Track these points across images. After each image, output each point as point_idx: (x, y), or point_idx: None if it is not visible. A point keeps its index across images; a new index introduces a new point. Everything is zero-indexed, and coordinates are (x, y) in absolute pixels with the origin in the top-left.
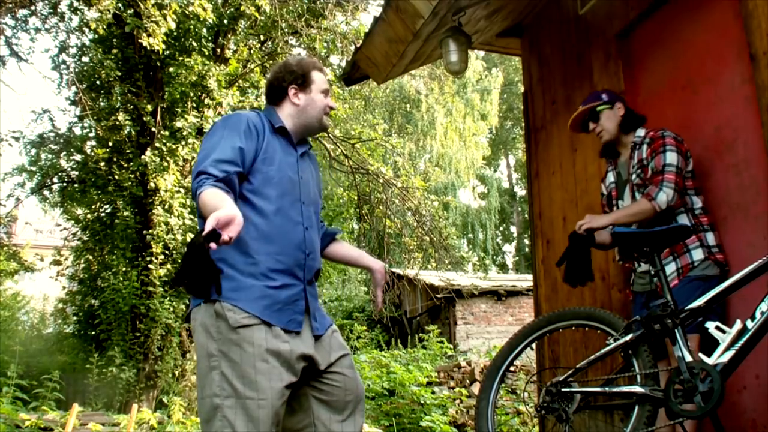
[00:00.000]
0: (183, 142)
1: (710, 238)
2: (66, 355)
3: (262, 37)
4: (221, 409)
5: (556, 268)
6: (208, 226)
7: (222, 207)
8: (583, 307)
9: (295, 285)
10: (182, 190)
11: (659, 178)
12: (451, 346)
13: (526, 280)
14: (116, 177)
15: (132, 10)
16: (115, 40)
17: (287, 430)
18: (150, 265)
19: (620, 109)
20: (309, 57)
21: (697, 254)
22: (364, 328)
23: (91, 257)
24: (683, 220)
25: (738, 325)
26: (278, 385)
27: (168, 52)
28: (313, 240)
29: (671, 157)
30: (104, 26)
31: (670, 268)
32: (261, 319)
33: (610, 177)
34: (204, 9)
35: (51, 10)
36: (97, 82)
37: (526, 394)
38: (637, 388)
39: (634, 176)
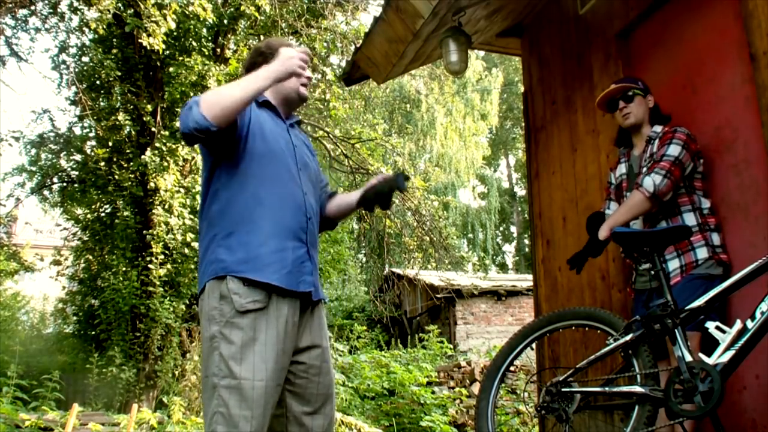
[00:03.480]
0: (183, 142)
1: (715, 238)
2: (66, 355)
3: (262, 37)
4: (218, 388)
5: (556, 268)
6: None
7: (252, 77)
8: (583, 307)
9: (300, 247)
10: (182, 190)
11: (654, 165)
12: (451, 346)
13: (526, 280)
14: (116, 177)
15: (132, 10)
16: (115, 40)
17: None
18: (150, 265)
19: (651, 101)
20: (277, 38)
21: (702, 253)
22: (364, 328)
23: (91, 257)
24: (690, 218)
25: (738, 325)
26: (273, 367)
27: (168, 52)
28: (312, 205)
29: (673, 149)
30: (104, 26)
31: (674, 265)
32: (272, 284)
33: (622, 168)
34: (204, 9)
35: (51, 10)
36: (97, 82)
37: (526, 394)
38: (637, 388)
39: (644, 170)
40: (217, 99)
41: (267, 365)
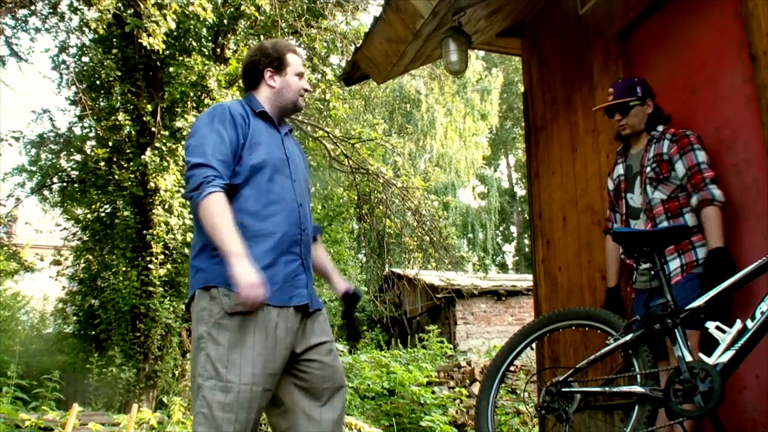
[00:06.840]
0: (183, 142)
1: None
2: (66, 355)
3: (262, 37)
4: (202, 389)
5: (556, 268)
6: (245, 295)
7: (232, 240)
8: (583, 307)
9: (294, 261)
10: (182, 190)
11: (700, 177)
12: (451, 346)
13: (526, 280)
14: (116, 177)
15: (132, 10)
16: (115, 40)
17: (270, 417)
18: (150, 265)
19: (649, 107)
20: (283, 40)
21: (702, 252)
22: (364, 328)
23: (91, 257)
24: (692, 218)
25: (738, 325)
26: (262, 372)
27: (168, 52)
28: (307, 216)
29: (703, 156)
30: (104, 26)
31: (675, 264)
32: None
33: (619, 169)
34: (204, 9)
35: (51, 10)
36: (97, 82)
37: (526, 394)
38: (637, 388)
39: (648, 169)
40: (208, 217)
41: (255, 370)
